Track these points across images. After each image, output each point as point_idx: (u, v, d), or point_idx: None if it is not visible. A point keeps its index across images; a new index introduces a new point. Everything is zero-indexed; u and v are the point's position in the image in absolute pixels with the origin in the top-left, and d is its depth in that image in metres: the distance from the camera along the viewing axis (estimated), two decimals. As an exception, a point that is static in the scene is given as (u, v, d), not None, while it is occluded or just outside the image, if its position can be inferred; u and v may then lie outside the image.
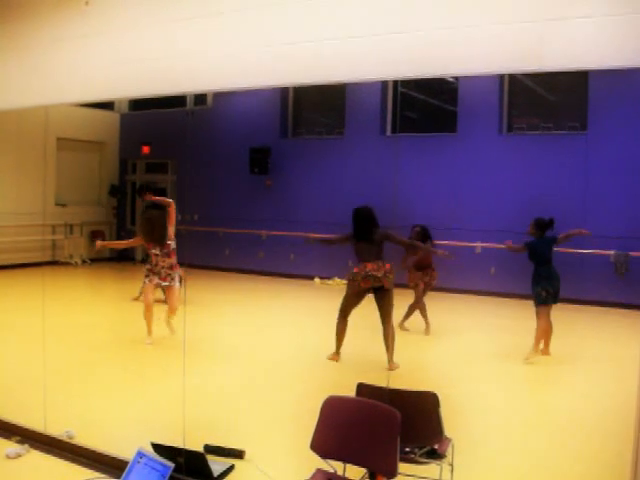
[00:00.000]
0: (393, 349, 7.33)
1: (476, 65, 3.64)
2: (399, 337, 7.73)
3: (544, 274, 7.78)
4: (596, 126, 12.01)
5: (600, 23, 3.18)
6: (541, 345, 7.86)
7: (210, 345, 8.34)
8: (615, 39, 3.18)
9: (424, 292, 9.53)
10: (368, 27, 3.85)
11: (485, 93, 12.98)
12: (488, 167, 12.95)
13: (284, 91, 15.41)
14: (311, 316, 10.05)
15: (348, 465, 3.68)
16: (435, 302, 9.82)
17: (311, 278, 14.30)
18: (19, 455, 4.68)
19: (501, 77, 12.75)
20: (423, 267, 9.60)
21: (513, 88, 13.19)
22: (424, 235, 9.51)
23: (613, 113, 11.79)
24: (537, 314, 7.79)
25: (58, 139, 15.77)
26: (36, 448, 4.81)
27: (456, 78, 12.90)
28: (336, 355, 7.68)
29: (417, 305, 9.48)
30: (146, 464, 4.09)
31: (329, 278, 14.33)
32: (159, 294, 9.38)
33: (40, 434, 4.95)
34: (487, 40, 3.48)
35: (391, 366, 7.24)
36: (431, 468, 3.95)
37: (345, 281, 14.11)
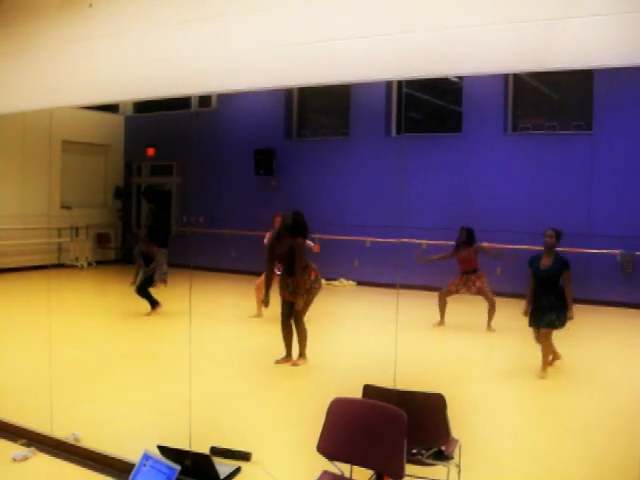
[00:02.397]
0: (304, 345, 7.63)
1: (481, 65, 3.63)
2: (409, 337, 7.69)
3: (538, 293, 7.23)
4: (601, 125, 11.97)
5: (606, 22, 3.16)
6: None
7: (216, 347, 8.33)
8: (621, 38, 3.16)
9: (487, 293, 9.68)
10: (372, 28, 3.85)
11: (490, 93, 12.95)
12: (493, 167, 12.93)
13: (288, 93, 15.40)
14: (316, 318, 10.02)
15: (355, 467, 3.66)
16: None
17: (317, 279, 14.26)
18: (26, 458, 4.68)
19: (506, 77, 12.72)
20: (467, 272, 9.69)
21: (518, 88, 13.16)
22: (467, 237, 9.70)
23: (618, 112, 11.75)
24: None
25: (63, 142, 15.79)
26: (42, 451, 4.82)
27: (461, 78, 12.89)
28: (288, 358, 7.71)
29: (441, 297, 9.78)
30: (152, 467, 4.09)
31: (335, 279, 14.32)
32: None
33: (46, 437, 4.95)
34: (492, 40, 3.46)
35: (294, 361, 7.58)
36: (438, 469, 3.93)
37: (351, 282, 14.20)
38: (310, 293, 7.58)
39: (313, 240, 10.34)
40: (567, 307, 7.08)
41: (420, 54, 3.69)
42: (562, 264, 7.12)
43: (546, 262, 7.17)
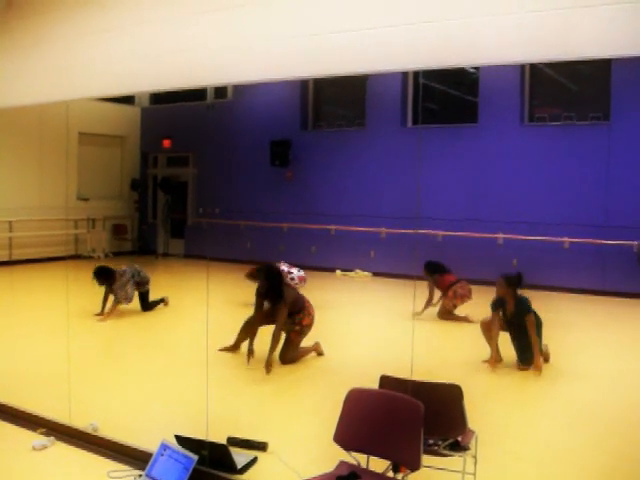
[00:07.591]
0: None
1: (498, 55, 3.61)
2: (425, 328, 7.69)
3: (511, 336, 7.03)
4: (619, 116, 11.88)
5: (624, 11, 3.14)
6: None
7: (233, 337, 8.35)
8: (639, 27, 3.13)
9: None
10: (389, 18, 3.83)
11: (506, 83, 12.87)
12: (509, 158, 12.86)
13: (304, 84, 15.39)
14: (332, 309, 10.04)
15: (371, 457, 3.68)
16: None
17: (333, 270, 14.30)
18: (45, 447, 4.72)
19: (522, 67, 12.65)
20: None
21: (534, 78, 13.07)
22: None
23: (636, 103, 11.65)
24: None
25: (79, 134, 15.88)
26: (61, 440, 4.85)
27: (477, 68, 12.82)
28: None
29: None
30: (170, 456, 4.12)
31: (351, 270, 14.33)
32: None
33: (65, 426, 4.99)
34: (509, 29, 3.44)
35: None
36: (454, 460, 3.94)
37: (367, 273, 14.19)
38: (298, 335, 7.20)
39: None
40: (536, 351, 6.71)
41: (436, 44, 3.67)
42: (522, 309, 6.76)
43: (510, 307, 6.87)
